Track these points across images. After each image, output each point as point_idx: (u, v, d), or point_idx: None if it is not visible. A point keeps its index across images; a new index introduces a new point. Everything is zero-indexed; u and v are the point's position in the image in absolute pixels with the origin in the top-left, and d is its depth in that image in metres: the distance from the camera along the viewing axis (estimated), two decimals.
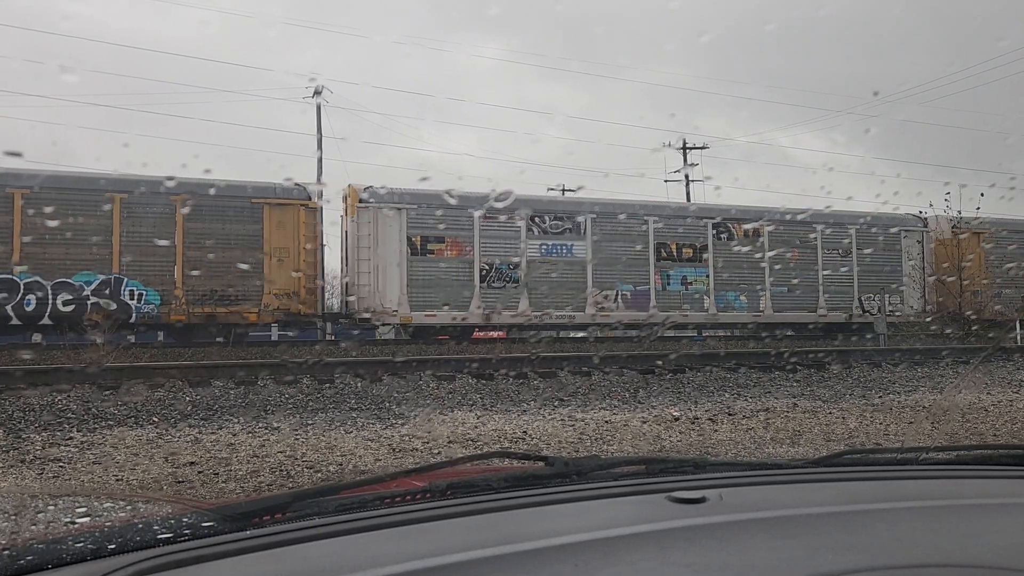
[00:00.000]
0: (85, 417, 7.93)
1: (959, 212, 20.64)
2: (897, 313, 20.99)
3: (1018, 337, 20.14)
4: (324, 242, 18.40)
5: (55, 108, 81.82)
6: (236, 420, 7.94)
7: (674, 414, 8.58)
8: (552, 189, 36.55)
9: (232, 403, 8.77)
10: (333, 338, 19.22)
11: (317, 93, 31.38)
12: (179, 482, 5.46)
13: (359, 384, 9.99)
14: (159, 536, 1.08)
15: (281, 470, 5.78)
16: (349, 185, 17.89)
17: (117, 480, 5.56)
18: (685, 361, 12.34)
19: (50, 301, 15.58)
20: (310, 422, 7.90)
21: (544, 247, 18.69)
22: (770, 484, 1.38)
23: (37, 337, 16.03)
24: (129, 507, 2.56)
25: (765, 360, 12.73)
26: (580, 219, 18.87)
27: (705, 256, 19.85)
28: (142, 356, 12.71)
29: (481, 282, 18.03)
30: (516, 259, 18.35)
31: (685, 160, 39.26)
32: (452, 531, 1.11)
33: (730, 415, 8.62)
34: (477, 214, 17.85)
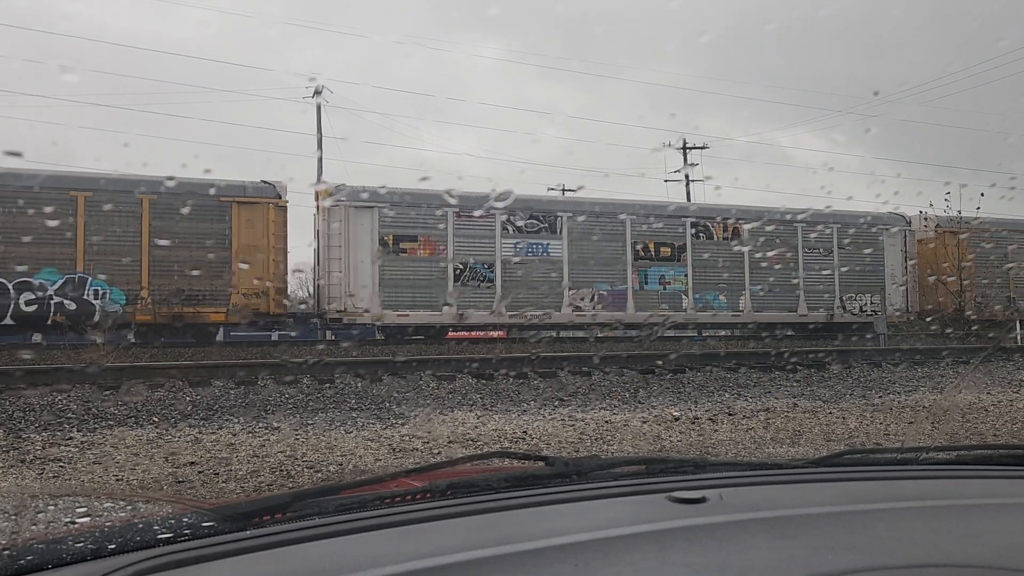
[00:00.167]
0: (85, 417, 7.93)
1: (959, 212, 20.56)
2: (879, 312, 20.80)
3: (1018, 337, 20.14)
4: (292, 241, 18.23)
5: (55, 108, 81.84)
6: (236, 420, 7.94)
7: (674, 414, 8.58)
8: (552, 189, 36.50)
9: (232, 403, 8.78)
10: (289, 336, 18.79)
11: (317, 93, 31.41)
12: (179, 482, 5.46)
13: (359, 384, 10.00)
14: (159, 536, 1.08)
15: (281, 470, 5.78)
16: (321, 184, 17.95)
17: (117, 480, 5.56)
18: (685, 361, 12.34)
19: (12, 301, 15.34)
20: (310, 422, 7.91)
21: (519, 246, 18.49)
22: (770, 484, 1.38)
23: (37, 337, 16.00)
24: (129, 507, 2.56)
25: (765, 360, 12.73)
26: (556, 218, 18.69)
27: (684, 255, 19.65)
28: (142, 356, 12.72)
29: (455, 282, 17.85)
30: (491, 258, 18.18)
31: (685, 160, 39.29)
32: (452, 531, 1.11)
33: (730, 415, 8.62)
34: (451, 213, 17.69)
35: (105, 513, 2.47)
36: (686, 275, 19.62)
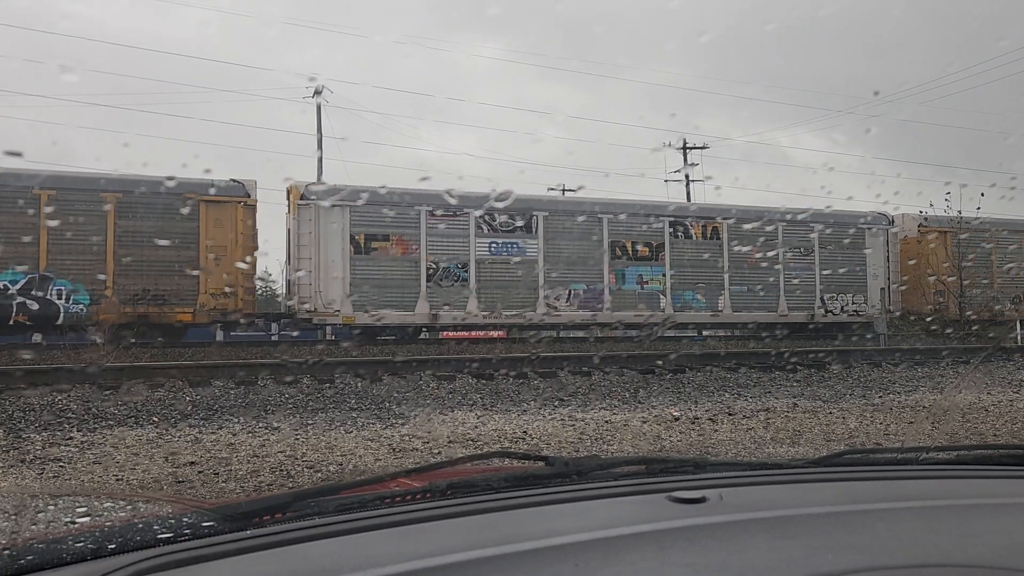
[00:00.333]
0: (85, 417, 7.93)
1: (959, 212, 20.47)
2: (861, 313, 20.70)
3: (1018, 337, 20.13)
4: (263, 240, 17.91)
5: (55, 108, 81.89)
6: (236, 420, 7.94)
7: (674, 414, 8.58)
8: (552, 189, 36.53)
9: (232, 403, 8.78)
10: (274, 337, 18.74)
11: (317, 93, 31.42)
12: (179, 482, 5.46)
13: (359, 384, 10.00)
14: (159, 536, 1.08)
15: (281, 470, 5.78)
16: (291, 182, 17.45)
17: (117, 480, 5.56)
18: (685, 361, 12.34)
19: None
20: (310, 422, 7.91)
21: (494, 245, 18.31)
22: (770, 484, 1.38)
23: (37, 337, 15.96)
24: (129, 507, 2.56)
25: (765, 360, 12.73)
26: (531, 217, 18.49)
27: (662, 254, 19.47)
28: (142, 356, 12.72)
29: (428, 281, 17.68)
30: (465, 258, 18.01)
31: (685, 160, 39.29)
32: (452, 531, 1.11)
33: (730, 415, 8.62)
34: (424, 212, 17.51)
35: (105, 513, 2.47)
36: (664, 274, 19.44)
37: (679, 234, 19.71)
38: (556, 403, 9.30)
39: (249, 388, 9.55)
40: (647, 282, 19.40)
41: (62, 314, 15.59)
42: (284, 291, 19.57)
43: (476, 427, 7.71)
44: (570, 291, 18.78)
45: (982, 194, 20.94)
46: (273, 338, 19.27)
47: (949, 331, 19.10)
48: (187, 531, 1.11)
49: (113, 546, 1.05)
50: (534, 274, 18.44)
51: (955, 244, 21.19)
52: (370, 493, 1.35)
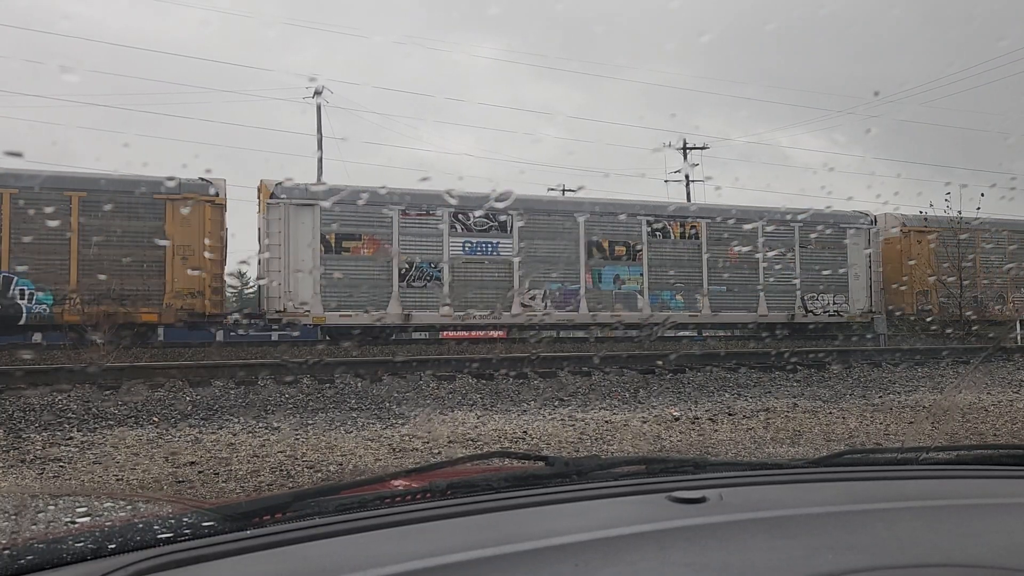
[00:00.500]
0: (85, 417, 7.93)
1: (959, 212, 20.43)
2: (843, 313, 20.53)
3: (1018, 337, 20.11)
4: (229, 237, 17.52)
5: (55, 108, 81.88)
6: (236, 420, 7.94)
7: (674, 414, 8.58)
8: (552, 189, 36.56)
9: (232, 403, 8.78)
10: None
11: (317, 93, 31.42)
12: (179, 482, 5.46)
13: (359, 384, 10.00)
14: (159, 536, 1.08)
15: (281, 470, 5.78)
16: (261, 180, 17.16)
17: (117, 480, 5.56)
18: (685, 361, 12.34)
19: None
20: (310, 422, 7.91)
21: (468, 245, 18.09)
22: (770, 484, 1.38)
23: (37, 337, 15.94)
24: (129, 507, 2.56)
25: (765, 360, 12.74)
26: (506, 216, 18.28)
27: (639, 254, 19.26)
28: (142, 356, 12.72)
29: (400, 281, 17.42)
30: (438, 258, 17.79)
31: (685, 160, 39.29)
32: (452, 531, 1.11)
33: (730, 415, 8.62)
34: (397, 211, 17.30)
35: (105, 513, 2.47)
36: (642, 274, 19.23)
37: (657, 234, 19.51)
38: (556, 403, 9.30)
39: (249, 388, 9.55)
40: (624, 282, 19.20)
41: (24, 315, 15.35)
42: (258, 291, 19.41)
43: (476, 427, 7.71)
44: (546, 291, 18.57)
45: (982, 194, 20.94)
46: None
47: (935, 330, 19.06)
48: (187, 531, 1.11)
49: (113, 546, 1.05)
50: (509, 274, 18.24)
51: (938, 244, 21.10)
52: (370, 493, 1.35)
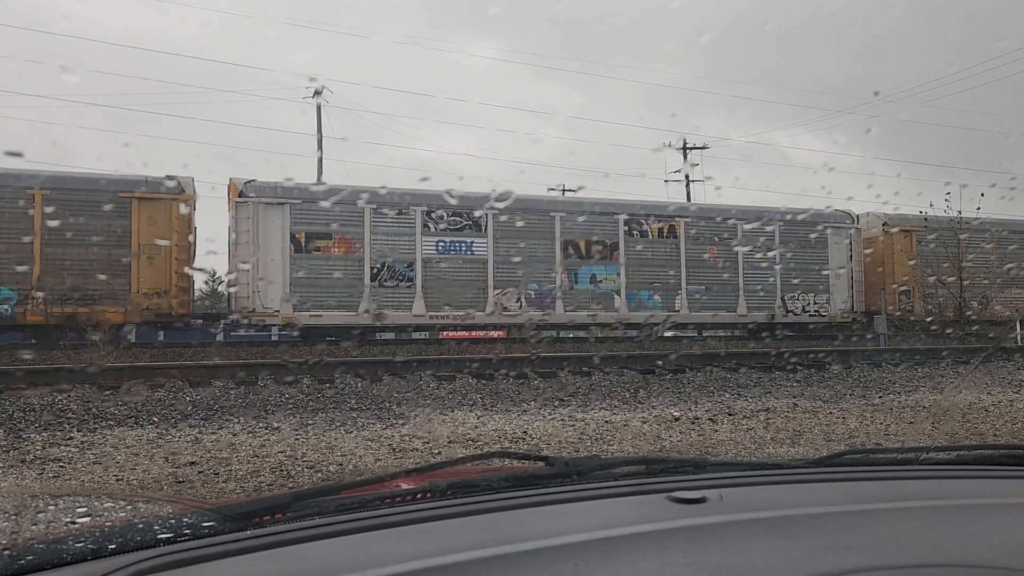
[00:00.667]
0: (85, 417, 7.93)
1: (959, 212, 20.35)
2: (824, 313, 20.36)
3: (1018, 337, 20.09)
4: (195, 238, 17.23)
5: (55, 108, 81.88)
6: (236, 420, 7.94)
7: (674, 414, 8.58)
8: (552, 189, 36.57)
9: (232, 403, 8.78)
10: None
11: (317, 93, 31.43)
12: (179, 482, 5.46)
13: (359, 384, 10.00)
14: (159, 536, 1.08)
15: (281, 470, 5.78)
16: (230, 179, 16.91)
17: (117, 480, 5.56)
18: (685, 361, 12.34)
19: None
20: (310, 422, 7.91)
21: (441, 244, 17.85)
22: (770, 484, 1.38)
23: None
24: (129, 507, 2.56)
25: (765, 360, 12.74)
26: (481, 215, 17.99)
27: (616, 253, 19.02)
28: (142, 356, 12.72)
29: (372, 281, 17.20)
30: (411, 257, 17.60)
31: (685, 160, 39.29)
32: (452, 531, 1.11)
33: (730, 415, 8.62)
34: (368, 210, 17.11)
35: (105, 513, 2.47)
36: (619, 274, 19.00)
37: (634, 233, 19.30)
38: (556, 403, 9.30)
39: (249, 388, 9.55)
40: (601, 281, 19.00)
41: None
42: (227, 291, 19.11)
43: (476, 427, 7.71)
44: (521, 291, 18.39)
45: (982, 194, 20.87)
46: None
47: (918, 330, 18.99)
48: (187, 531, 1.11)
49: (113, 546, 1.05)
50: (483, 273, 18.04)
51: (920, 243, 20.99)
52: (370, 493, 1.35)
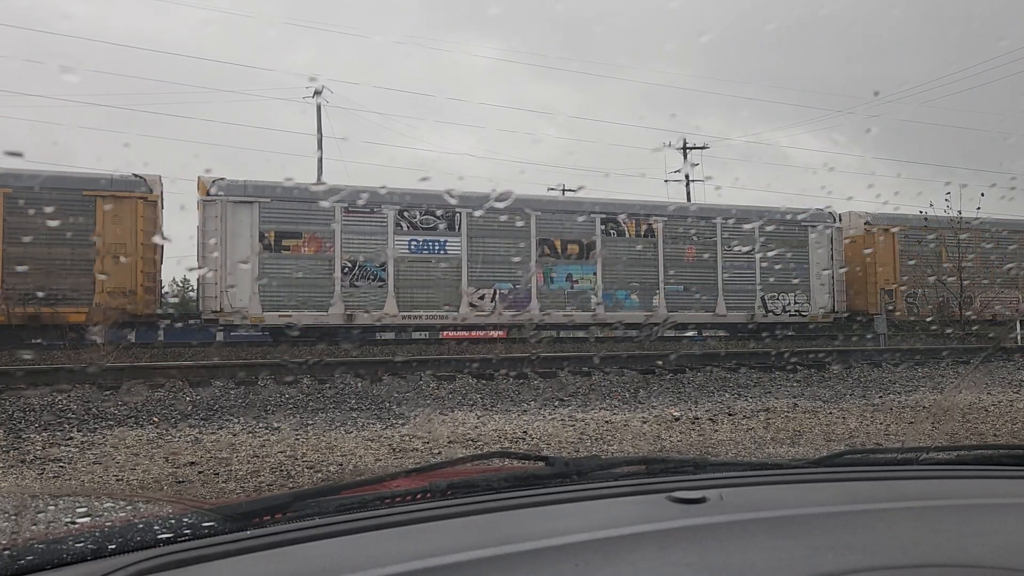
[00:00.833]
0: (85, 417, 7.93)
1: (959, 212, 20.29)
2: (804, 313, 20.20)
3: (1018, 337, 20.08)
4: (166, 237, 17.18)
5: (55, 108, 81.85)
6: (236, 420, 7.94)
7: (674, 414, 8.58)
8: (552, 189, 36.59)
9: (232, 403, 8.78)
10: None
11: (317, 93, 31.43)
12: (179, 482, 5.46)
13: (359, 384, 10.00)
14: (159, 536, 1.08)
15: (281, 470, 5.78)
16: (199, 177, 16.69)
17: (117, 480, 5.56)
18: (685, 361, 12.35)
19: None
20: (310, 422, 7.91)
21: (414, 243, 17.66)
22: (770, 484, 1.38)
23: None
24: (129, 507, 2.56)
25: (765, 360, 12.75)
26: (454, 214, 17.80)
27: (593, 253, 18.82)
28: (142, 356, 12.72)
29: (342, 281, 17.01)
30: (382, 256, 17.43)
31: (685, 160, 39.29)
32: (452, 531, 1.11)
33: (730, 415, 8.62)
34: (339, 208, 16.93)
35: (105, 513, 2.47)
36: (595, 273, 18.81)
37: (611, 232, 19.11)
38: (556, 403, 9.30)
39: (249, 388, 9.55)
40: (577, 281, 18.80)
41: None
42: (197, 291, 18.60)
43: (476, 427, 7.71)
44: (495, 290, 18.17)
45: (982, 194, 20.81)
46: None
47: (903, 330, 18.93)
48: (187, 531, 1.11)
49: (113, 546, 1.05)
50: (457, 273, 17.84)
51: (903, 242, 20.88)
52: (370, 493, 1.35)
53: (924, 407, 9.34)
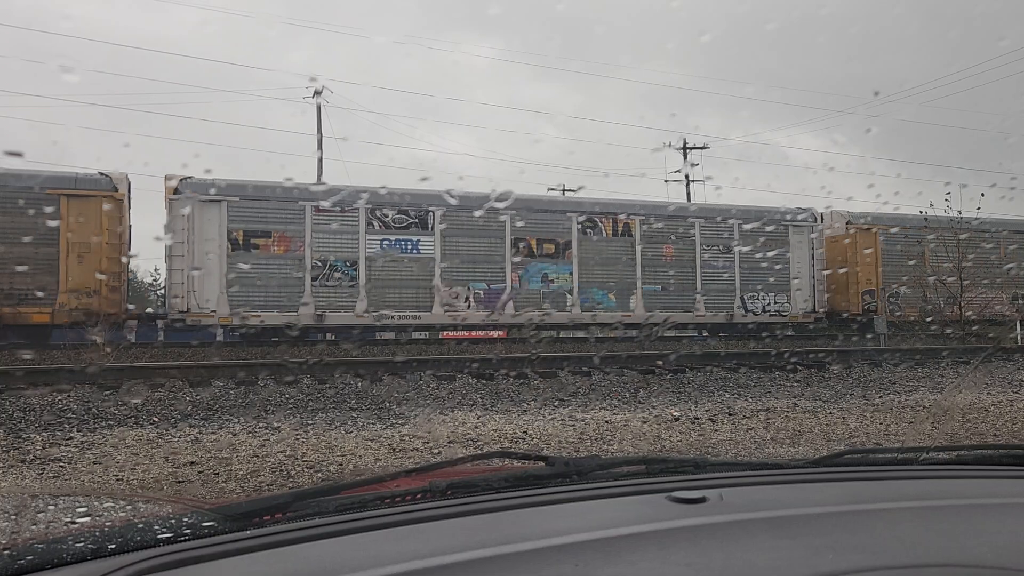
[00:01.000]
0: (85, 417, 7.93)
1: (959, 212, 20.25)
2: (784, 313, 20.09)
3: (1018, 337, 20.07)
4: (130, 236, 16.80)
5: (55, 108, 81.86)
6: (236, 420, 7.94)
7: (674, 414, 8.58)
8: (552, 189, 36.62)
9: (232, 403, 8.78)
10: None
11: (317, 93, 31.43)
12: (179, 482, 5.46)
13: (359, 384, 10.00)
14: (159, 536, 1.08)
15: (281, 470, 5.78)
16: (166, 175, 16.45)
17: (117, 480, 5.56)
18: (685, 361, 12.35)
19: None
20: (310, 422, 7.91)
21: (386, 242, 17.48)
22: (770, 484, 1.38)
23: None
24: (129, 507, 2.56)
25: (765, 360, 12.75)
26: (427, 213, 17.62)
27: (569, 252, 18.65)
28: (142, 356, 12.72)
29: (313, 280, 16.83)
30: (354, 256, 17.16)
31: (685, 160, 39.31)
32: (452, 531, 1.11)
33: (730, 415, 8.62)
34: (309, 207, 16.80)
35: (105, 513, 2.47)
36: (571, 273, 18.64)
37: (588, 231, 18.95)
38: (556, 403, 9.30)
39: (249, 388, 9.55)
40: (553, 280, 18.64)
41: None
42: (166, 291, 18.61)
43: (476, 427, 7.71)
44: (469, 290, 18.03)
45: (982, 194, 20.82)
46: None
47: (880, 331, 18.89)
48: (187, 531, 1.11)
49: (113, 546, 1.05)
50: (430, 273, 17.68)
51: (884, 242, 20.77)
52: (370, 493, 1.35)
53: (924, 407, 9.34)
